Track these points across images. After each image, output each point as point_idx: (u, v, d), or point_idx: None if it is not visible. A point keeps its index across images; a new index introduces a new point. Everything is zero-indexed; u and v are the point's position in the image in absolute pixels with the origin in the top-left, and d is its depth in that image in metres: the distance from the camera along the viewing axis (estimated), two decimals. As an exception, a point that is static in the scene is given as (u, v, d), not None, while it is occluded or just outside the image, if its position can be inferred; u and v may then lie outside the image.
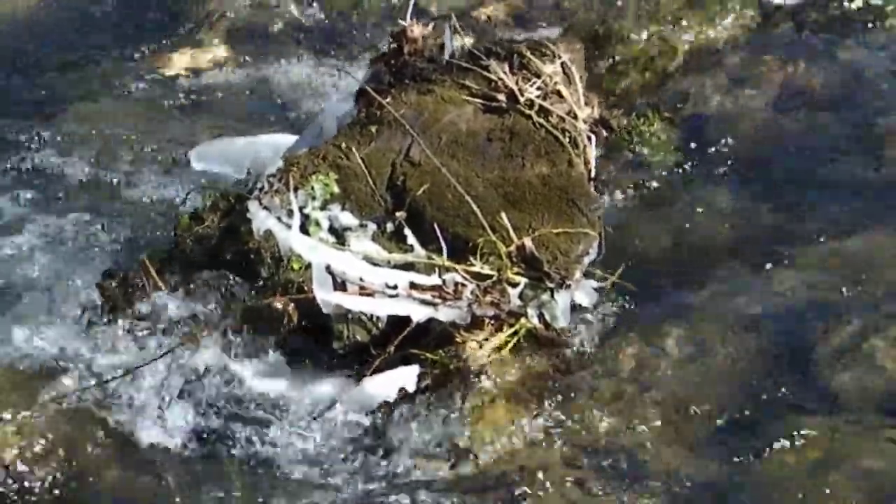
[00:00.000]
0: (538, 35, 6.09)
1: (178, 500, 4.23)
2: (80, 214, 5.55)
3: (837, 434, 4.26)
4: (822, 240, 5.13)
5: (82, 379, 4.50)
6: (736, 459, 4.23)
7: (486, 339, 4.55)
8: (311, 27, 6.98)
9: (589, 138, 5.11)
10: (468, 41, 5.35)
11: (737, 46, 6.29)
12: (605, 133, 5.33)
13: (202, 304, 4.63)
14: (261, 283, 4.63)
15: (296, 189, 4.71)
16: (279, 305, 4.55)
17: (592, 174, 5.07)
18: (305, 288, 4.54)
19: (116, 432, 4.41)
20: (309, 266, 4.55)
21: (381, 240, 4.70)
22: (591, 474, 4.22)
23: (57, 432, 4.35)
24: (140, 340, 4.62)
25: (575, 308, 4.70)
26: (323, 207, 4.72)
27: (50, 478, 4.26)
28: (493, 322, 4.57)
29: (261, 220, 4.66)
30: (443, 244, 4.62)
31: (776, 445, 4.25)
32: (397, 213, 4.75)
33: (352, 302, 4.51)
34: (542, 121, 5.01)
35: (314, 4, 7.10)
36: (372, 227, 4.72)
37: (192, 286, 4.68)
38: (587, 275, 4.75)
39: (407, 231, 4.70)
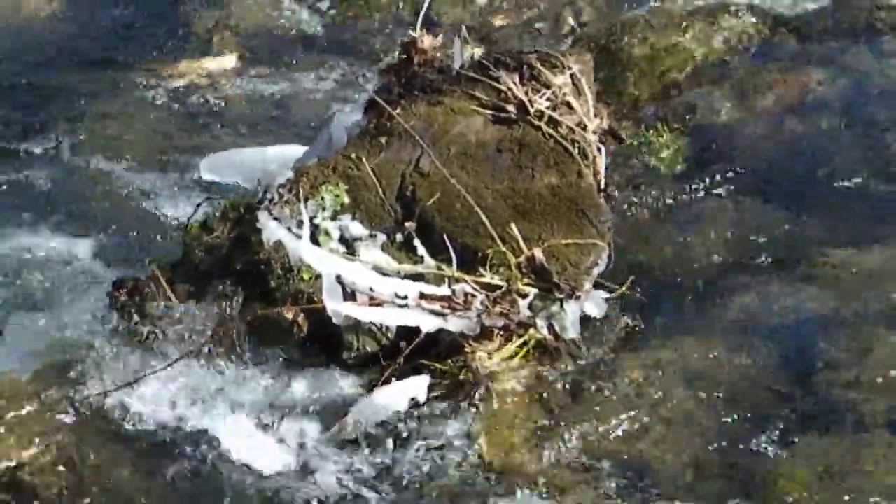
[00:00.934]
0: (548, 46, 6.10)
1: (185, 502, 4.25)
2: (90, 223, 5.57)
3: (842, 447, 4.26)
4: (829, 251, 5.12)
5: (92, 386, 4.51)
6: (741, 470, 4.23)
7: (496, 350, 4.56)
8: (321, 37, 7.00)
9: (598, 149, 5.11)
10: (478, 52, 5.35)
11: (745, 56, 6.29)
12: (614, 144, 5.34)
13: (212, 313, 4.64)
14: (271, 293, 4.64)
15: (306, 199, 4.71)
16: (289, 315, 4.56)
17: (602, 185, 5.07)
18: (315, 298, 4.55)
19: (125, 439, 4.42)
20: (319, 276, 4.55)
21: (391, 250, 4.70)
22: (599, 483, 4.22)
23: (66, 439, 4.36)
24: (149, 348, 4.63)
25: (584, 319, 4.70)
26: (333, 218, 4.73)
27: (60, 483, 4.27)
28: (502, 333, 4.57)
29: (271, 230, 4.66)
30: (452, 255, 4.62)
31: (781, 457, 4.25)
32: (407, 224, 4.76)
33: (362, 312, 4.51)
34: (551, 132, 5.00)
35: (325, 15, 7.12)
36: (382, 237, 4.72)
37: (201, 295, 4.68)
38: (596, 285, 4.76)
39: (417, 241, 4.71)
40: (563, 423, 4.41)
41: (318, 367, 4.58)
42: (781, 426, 4.36)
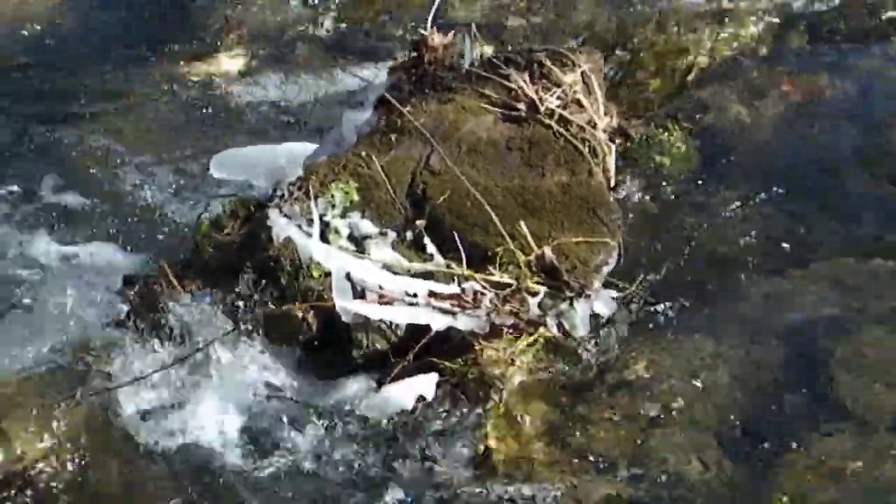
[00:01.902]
0: (558, 44, 6.10)
1: (194, 500, 4.25)
2: (100, 221, 5.58)
3: (852, 446, 4.27)
4: (838, 251, 5.14)
5: (101, 383, 4.52)
6: (749, 469, 4.25)
7: (505, 348, 4.56)
8: (330, 35, 7.00)
9: (608, 147, 5.11)
10: (488, 50, 5.36)
11: (755, 57, 6.30)
12: (623, 142, 5.34)
13: (221, 311, 4.64)
14: (280, 290, 4.64)
15: (316, 197, 4.72)
16: (299, 313, 4.56)
17: (612, 183, 5.07)
18: (325, 295, 4.55)
19: (133, 436, 4.44)
20: (328, 274, 4.56)
21: (401, 248, 4.70)
22: (607, 478, 4.23)
23: (76, 435, 4.37)
24: (159, 345, 4.63)
25: (593, 316, 4.70)
26: (343, 215, 4.73)
27: (68, 480, 4.29)
28: (511, 331, 4.57)
29: (281, 227, 4.67)
30: (462, 253, 4.63)
31: (790, 457, 4.26)
32: (417, 222, 4.76)
33: (371, 310, 4.51)
34: (561, 130, 5.01)
35: (333, 12, 7.12)
36: (391, 235, 4.72)
37: (211, 292, 4.69)
38: (606, 284, 4.76)
39: (426, 239, 4.71)
40: (571, 420, 4.42)
41: (326, 364, 4.58)
42: (788, 423, 4.38)
